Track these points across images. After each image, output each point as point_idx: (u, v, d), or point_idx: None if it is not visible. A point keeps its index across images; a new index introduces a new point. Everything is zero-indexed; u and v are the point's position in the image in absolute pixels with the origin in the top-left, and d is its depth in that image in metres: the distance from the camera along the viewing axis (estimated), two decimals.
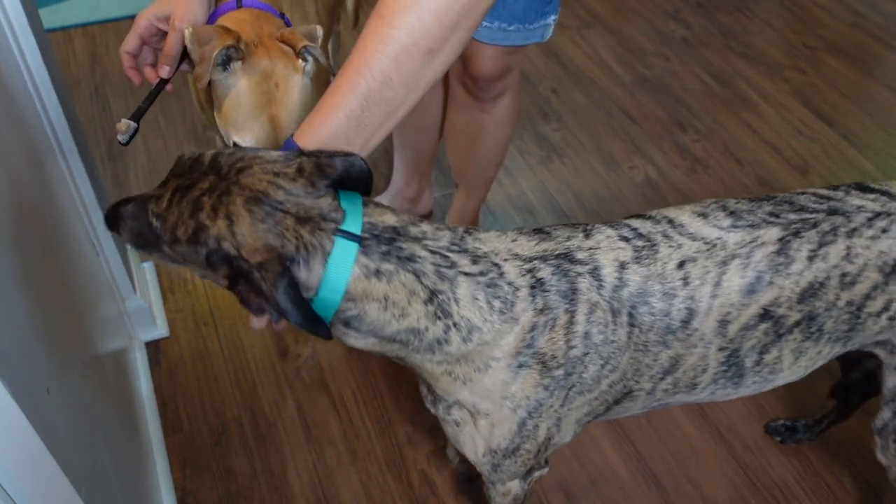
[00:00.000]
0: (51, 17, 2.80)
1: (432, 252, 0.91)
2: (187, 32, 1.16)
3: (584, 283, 0.97)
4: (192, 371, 1.74)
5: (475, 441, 1.07)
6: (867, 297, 1.06)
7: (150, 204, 0.91)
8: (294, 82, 1.20)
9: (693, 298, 1.01)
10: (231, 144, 1.20)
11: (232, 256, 0.84)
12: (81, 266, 1.39)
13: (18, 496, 0.77)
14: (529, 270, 0.96)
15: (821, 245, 1.03)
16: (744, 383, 1.11)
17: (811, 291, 1.04)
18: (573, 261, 0.98)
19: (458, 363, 0.98)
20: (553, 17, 1.48)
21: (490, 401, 1.01)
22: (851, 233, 1.04)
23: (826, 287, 1.04)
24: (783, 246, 1.02)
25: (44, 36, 1.38)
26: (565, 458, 1.59)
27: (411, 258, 0.89)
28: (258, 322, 0.97)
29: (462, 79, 1.59)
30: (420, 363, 0.98)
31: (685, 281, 1.00)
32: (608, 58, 2.67)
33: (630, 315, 0.99)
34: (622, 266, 0.99)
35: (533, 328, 0.96)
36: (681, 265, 1.01)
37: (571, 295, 0.97)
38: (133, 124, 1.19)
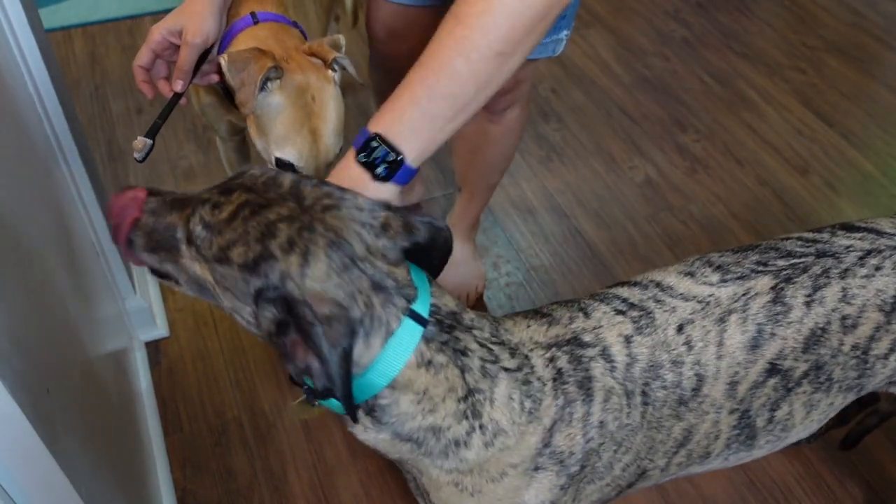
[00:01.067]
0: (51, 17, 2.80)
1: (481, 345, 0.85)
2: (223, 62, 1.15)
3: (598, 368, 0.91)
4: (192, 371, 1.74)
5: None
6: (872, 338, 1.02)
7: (199, 208, 0.80)
8: (329, 93, 1.21)
9: (700, 363, 0.96)
10: (272, 161, 1.20)
11: (295, 300, 0.73)
12: (81, 266, 1.39)
13: (18, 496, 0.77)
14: (550, 360, 0.90)
15: (815, 289, 0.99)
16: (757, 444, 1.06)
17: (814, 339, 0.99)
18: (583, 345, 0.92)
19: (470, 473, 0.89)
20: (566, 32, 1.47)
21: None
22: (844, 273, 1.00)
23: (828, 332, 1.00)
24: (777, 294, 0.98)
25: (44, 36, 1.38)
26: None
27: (464, 352, 0.82)
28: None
29: None
30: (426, 468, 0.89)
31: (689, 345, 0.95)
32: (608, 58, 2.67)
33: (643, 394, 0.94)
34: (628, 340, 0.94)
35: (553, 425, 0.89)
36: (680, 329, 0.95)
37: (588, 384, 0.91)
38: (149, 141, 1.20)
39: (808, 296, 0.99)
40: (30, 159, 1.21)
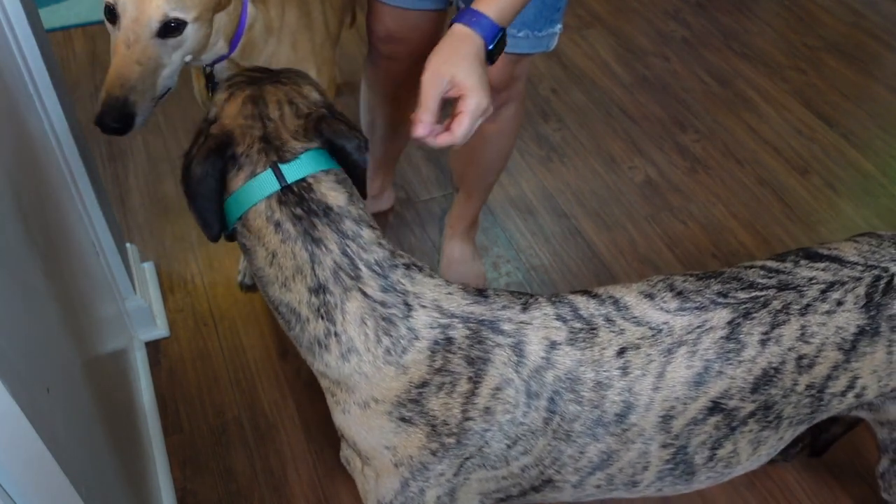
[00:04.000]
0: (51, 17, 2.80)
1: (345, 254, 0.89)
2: None
3: (501, 357, 0.91)
4: (192, 371, 1.74)
5: (364, 489, 1.00)
6: (828, 377, 1.00)
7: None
8: None
9: (631, 391, 0.93)
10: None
11: (209, 119, 0.96)
12: (81, 266, 1.39)
13: (18, 496, 0.77)
14: (443, 326, 0.91)
15: (773, 326, 0.96)
16: (696, 479, 1.04)
17: (765, 379, 0.97)
18: (496, 330, 0.92)
19: (338, 387, 0.94)
20: (559, 26, 1.47)
21: (369, 445, 0.95)
22: (805, 309, 0.97)
23: (782, 372, 0.97)
24: (733, 330, 0.96)
25: (44, 36, 1.38)
26: None
27: (318, 241, 0.89)
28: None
29: None
30: (308, 361, 0.96)
31: (624, 370, 0.93)
32: (608, 58, 2.67)
33: (551, 401, 0.93)
34: (553, 346, 0.93)
35: (424, 385, 0.90)
36: (621, 352, 0.94)
37: (480, 364, 0.91)
38: None
39: (765, 333, 0.96)
40: (29, 159, 1.21)
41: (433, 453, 0.93)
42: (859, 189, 2.20)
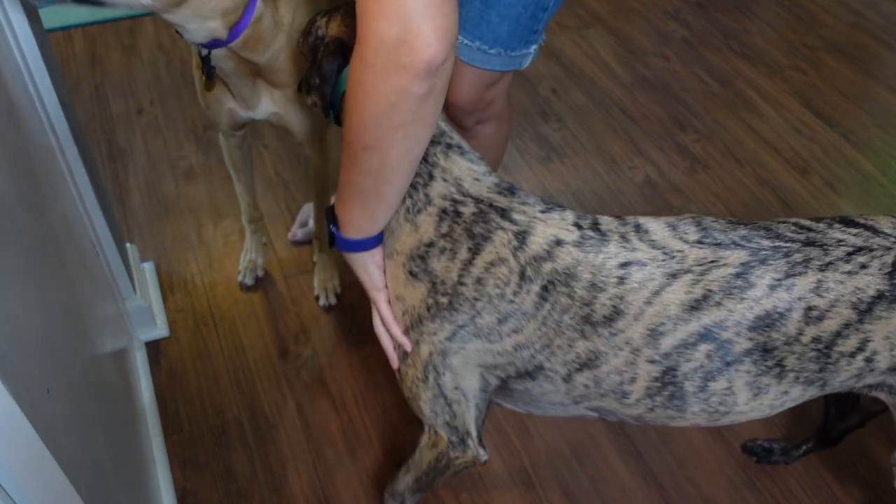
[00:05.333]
0: (51, 17, 2.80)
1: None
2: None
3: (501, 238, 1.01)
4: (192, 371, 1.74)
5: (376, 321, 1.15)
6: (838, 334, 0.99)
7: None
8: None
9: (623, 299, 0.98)
10: None
11: (318, 36, 1.12)
12: (81, 266, 1.39)
13: (18, 496, 0.77)
14: (455, 202, 1.04)
15: (787, 275, 0.98)
16: (688, 408, 1.06)
17: (767, 320, 0.98)
18: (505, 217, 1.02)
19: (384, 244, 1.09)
20: (534, 47, 1.42)
21: (392, 294, 1.10)
22: (825, 266, 0.98)
23: (786, 319, 0.98)
24: (745, 271, 0.98)
25: (44, 36, 1.38)
26: (565, 458, 1.59)
27: None
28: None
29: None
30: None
31: (621, 280, 0.99)
32: (608, 58, 2.67)
33: (544, 289, 1.00)
34: (558, 242, 1.01)
35: (430, 245, 1.04)
36: (624, 265, 0.99)
37: (480, 240, 1.02)
38: None
39: (777, 280, 0.98)
40: (30, 159, 1.21)
41: (428, 309, 1.06)
42: (859, 189, 2.20)
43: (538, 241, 1.01)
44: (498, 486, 1.54)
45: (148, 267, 1.92)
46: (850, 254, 0.99)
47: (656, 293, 0.98)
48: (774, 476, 1.56)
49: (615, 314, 0.99)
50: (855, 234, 1.01)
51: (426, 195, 1.05)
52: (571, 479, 1.56)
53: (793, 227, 1.02)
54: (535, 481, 1.55)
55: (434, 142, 1.06)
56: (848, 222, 1.03)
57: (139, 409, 1.58)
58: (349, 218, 1.06)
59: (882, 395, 1.09)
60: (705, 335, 0.99)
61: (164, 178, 2.19)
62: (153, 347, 1.78)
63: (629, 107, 2.47)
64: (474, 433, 1.15)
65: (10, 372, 0.77)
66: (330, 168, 1.74)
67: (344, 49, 1.08)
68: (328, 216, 1.11)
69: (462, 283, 1.02)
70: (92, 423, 1.12)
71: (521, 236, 1.01)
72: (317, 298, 1.88)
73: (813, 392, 1.06)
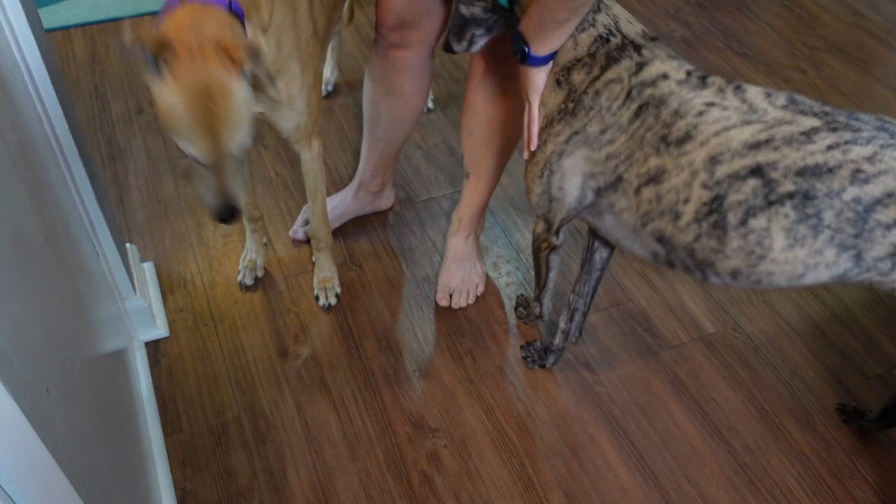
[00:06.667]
0: (50, 16, 2.80)
1: None
2: (126, 25, 1.13)
3: (626, 64, 1.23)
4: (192, 371, 1.74)
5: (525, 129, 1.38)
6: (878, 201, 1.05)
7: None
8: (232, 96, 1.18)
9: (696, 127, 1.15)
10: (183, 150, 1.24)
11: None
12: (81, 266, 1.39)
13: (18, 496, 0.77)
14: (609, 31, 1.25)
15: (847, 143, 1.07)
16: (729, 241, 1.15)
17: (815, 170, 1.07)
18: (637, 51, 1.24)
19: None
20: None
21: (541, 96, 1.33)
22: (887, 146, 1.06)
23: (834, 174, 1.06)
24: (812, 132, 1.09)
25: (43, 36, 1.38)
26: (565, 457, 1.59)
27: None
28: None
29: (484, 56, 1.61)
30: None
31: (700, 113, 1.15)
32: None
33: (640, 108, 1.20)
34: (664, 76, 1.21)
35: (578, 60, 1.27)
36: (709, 105, 1.16)
37: (612, 63, 1.24)
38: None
39: (836, 143, 1.07)
40: (29, 159, 1.21)
41: (559, 112, 1.29)
42: None
43: (651, 72, 1.21)
44: (498, 485, 1.54)
45: (148, 267, 1.92)
46: None
47: (726, 129, 1.13)
48: (774, 476, 1.56)
49: (686, 138, 1.16)
50: None
51: (593, 19, 1.26)
52: (571, 479, 1.56)
53: (875, 119, 1.11)
54: (535, 481, 1.55)
55: None
56: None
57: (139, 410, 1.58)
58: (545, 39, 1.27)
59: None
60: (756, 171, 1.10)
61: (164, 178, 2.19)
62: (153, 347, 1.78)
63: None
64: (556, 227, 1.43)
65: (10, 372, 0.77)
66: (321, 166, 1.74)
67: None
68: (517, 40, 1.30)
69: (585, 93, 1.25)
70: (92, 423, 1.12)
71: (640, 66, 1.22)
72: (317, 298, 1.88)
73: (846, 263, 1.10)
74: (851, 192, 1.06)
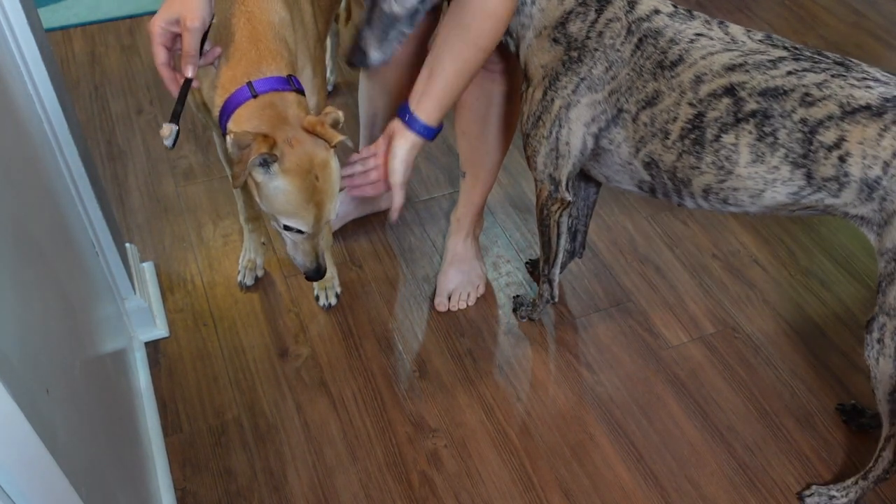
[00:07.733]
0: (50, 16, 2.80)
1: None
2: (229, 138, 1.22)
3: (619, 4, 1.33)
4: (192, 371, 1.74)
5: (524, 110, 1.46)
6: (821, 122, 1.20)
7: None
8: (330, 170, 1.30)
9: (687, 52, 1.29)
10: (282, 227, 1.34)
11: None
12: (81, 266, 1.39)
13: (18, 496, 0.77)
14: None
15: (805, 70, 1.22)
16: (703, 158, 1.30)
17: (773, 92, 1.22)
18: None
19: (524, 28, 1.39)
20: None
21: (534, 65, 1.41)
22: (837, 76, 1.21)
23: (787, 96, 1.22)
24: (778, 60, 1.24)
25: (43, 36, 1.38)
26: (565, 457, 1.59)
27: None
28: None
29: None
30: (521, 30, 1.41)
31: (690, 42, 1.29)
32: None
33: (640, 41, 1.32)
34: (656, 11, 1.32)
35: (570, 12, 1.34)
36: (698, 35, 1.29)
37: (605, 4, 1.33)
38: (175, 127, 1.24)
39: (794, 70, 1.23)
40: (29, 159, 1.21)
41: (563, 64, 1.37)
42: None
43: (643, 8, 1.32)
44: (498, 485, 1.54)
45: (147, 267, 1.92)
46: (865, 79, 1.21)
47: (710, 54, 1.27)
48: (775, 476, 1.56)
49: (679, 60, 1.29)
50: (885, 81, 1.21)
51: None
52: (571, 479, 1.56)
53: (839, 57, 1.24)
54: (535, 481, 1.55)
55: None
56: (893, 75, 1.23)
57: (139, 409, 1.58)
58: (437, 114, 1.39)
59: (867, 233, 1.24)
60: (729, 90, 1.25)
61: (164, 178, 2.19)
62: (153, 347, 1.78)
63: None
64: (564, 182, 1.49)
65: (10, 372, 0.77)
66: None
67: None
68: (405, 110, 1.38)
69: (588, 38, 1.34)
70: (92, 424, 1.12)
71: (632, 4, 1.33)
72: (317, 298, 1.88)
73: (799, 181, 1.25)
74: (800, 113, 1.21)
